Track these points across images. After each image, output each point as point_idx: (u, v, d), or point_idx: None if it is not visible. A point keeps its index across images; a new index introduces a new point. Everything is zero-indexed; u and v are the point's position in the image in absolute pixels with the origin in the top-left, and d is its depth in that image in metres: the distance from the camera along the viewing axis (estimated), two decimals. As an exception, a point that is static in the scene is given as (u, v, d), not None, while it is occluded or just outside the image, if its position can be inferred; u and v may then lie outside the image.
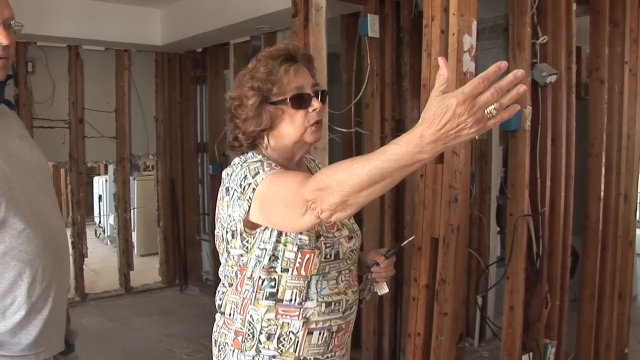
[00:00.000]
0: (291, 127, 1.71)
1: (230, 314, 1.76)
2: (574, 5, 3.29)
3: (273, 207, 1.53)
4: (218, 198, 1.74)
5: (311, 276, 1.69)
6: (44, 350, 1.65)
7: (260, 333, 1.69)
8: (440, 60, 1.17)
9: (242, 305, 1.72)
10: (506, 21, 3.18)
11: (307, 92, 1.71)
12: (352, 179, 1.24)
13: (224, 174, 1.74)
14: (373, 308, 4.40)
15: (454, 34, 2.85)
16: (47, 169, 1.82)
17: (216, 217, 1.76)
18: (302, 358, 1.71)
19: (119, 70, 6.64)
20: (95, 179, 10.39)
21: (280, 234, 1.65)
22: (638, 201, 3.99)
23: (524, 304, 3.14)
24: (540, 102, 3.21)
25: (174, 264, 7.21)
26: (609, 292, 3.68)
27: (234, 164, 1.72)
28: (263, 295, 1.69)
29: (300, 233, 1.65)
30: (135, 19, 6.21)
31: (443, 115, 1.10)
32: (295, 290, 1.68)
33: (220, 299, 1.82)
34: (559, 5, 3.20)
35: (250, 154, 1.74)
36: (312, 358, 1.72)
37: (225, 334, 1.77)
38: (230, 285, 1.77)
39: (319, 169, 2.01)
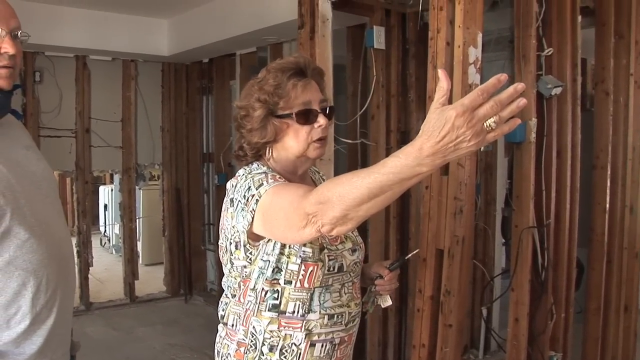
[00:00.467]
0: (295, 142, 1.71)
1: (232, 325, 1.76)
2: (579, 18, 3.29)
3: (275, 219, 1.53)
4: (222, 209, 1.74)
5: (314, 288, 1.69)
6: (48, 361, 1.64)
7: (263, 344, 1.68)
8: (441, 72, 1.15)
9: (244, 316, 1.72)
10: (511, 33, 3.18)
11: (314, 108, 1.71)
12: (352, 192, 1.24)
13: (228, 185, 1.75)
14: (378, 319, 4.39)
15: (459, 46, 2.86)
16: (53, 179, 1.82)
17: (220, 227, 1.76)
18: (304, 370, 1.70)
19: (126, 80, 6.68)
20: (101, 188, 10.42)
21: (283, 246, 1.65)
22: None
23: (529, 315, 3.12)
24: (546, 114, 3.21)
25: (179, 274, 7.22)
26: (614, 304, 3.65)
27: (239, 176, 1.72)
28: (266, 307, 1.69)
29: (304, 245, 1.65)
30: (142, 30, 6.25)
31: (442, 127, 1.08)
32: (298, 302, 1.68)
33: (223, 310, 1.81)
34: (564, 17, 3.20)
35: (255, 165, 1.75)
36: (314, 370, 1.72)
37: (228, 345, 1.76)
38: (233, 296, 1.77)
39: (324, 180, 2.01)
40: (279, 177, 1.63)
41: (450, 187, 2.88)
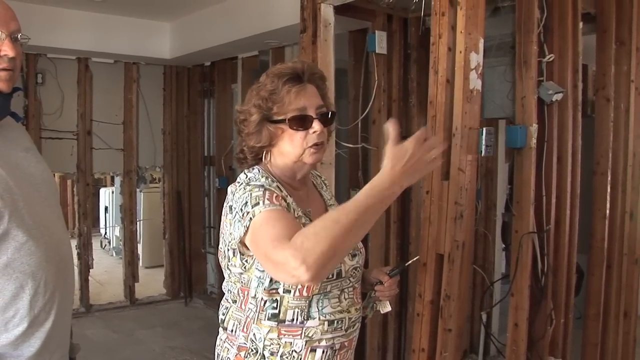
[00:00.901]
0: (290, 147, 1.72)
1: (232, 331, 1.76)
2: (581, 24, 3.30)
3: (259, 248, 1.56)
4: (223, 214, 1.75)
5: (312, 295, 1.69)
6: (46, 363, 1.64)
7: (264, 349, 1.69)
8: (389, 123, 1.45)
9: (245, 323, 1.73)
10: (513, 39, 3.18)
11: (309, 114, 1.71)
12: (337, 224, 1.38)
13: (229, 190, 1.75)
14: (377, 324, 4.39)
15: (461, 52, 2.87)
16: (52, 181, 1.82)
17: (220, 232, 1.77)
18: (305, 376, 1.70)
19: (128, 83, 6.69)
20: (102, 191, 10.42)
21: None
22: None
23: (528, 321, 3.12)
24: (547, 120, 3.21)
25: (179, 277, 7.22)
26: (614, 310, 3.65)
27: (238, 183, 1.74)
28: (265, 316, 1.69)
29: None
30: (145, 32, 6.26)
31: (405, 154, 1.41)
32: (296, 310, 1.68)
33: (223, 314, 1.81)
34: (565, 23, 3.21)
35: (255, 170, 1.76)
36: (315, 376, 1.72)
37: (228, 349, 1.76)
38: (234, 301, 1.77)
39: (325, 185, 2.02)
40: (276, 198, 1.62)
41: (451, 192, 2.89)
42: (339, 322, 1.73)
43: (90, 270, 6.59)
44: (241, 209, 1.61)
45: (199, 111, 7.21)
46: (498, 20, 3.31)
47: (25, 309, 1.57)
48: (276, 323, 1.68)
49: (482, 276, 4.61)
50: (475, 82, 2.88)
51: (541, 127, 3.16)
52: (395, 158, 1.41)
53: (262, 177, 1.73)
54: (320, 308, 1.70)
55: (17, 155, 1.69)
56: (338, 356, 1.75)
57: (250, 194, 1.62)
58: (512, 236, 3.21)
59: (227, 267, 1.76)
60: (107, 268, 8.61)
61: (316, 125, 1.71)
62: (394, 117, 4.33)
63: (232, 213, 1.66)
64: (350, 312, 1.77)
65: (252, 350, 1.70)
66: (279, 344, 1.68)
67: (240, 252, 1.67)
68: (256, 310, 1.70)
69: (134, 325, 6.12)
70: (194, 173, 7.25)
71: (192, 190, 7.26)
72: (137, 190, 7.28)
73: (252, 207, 1.58)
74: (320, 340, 1.70)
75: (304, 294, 1.68)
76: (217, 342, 1.84)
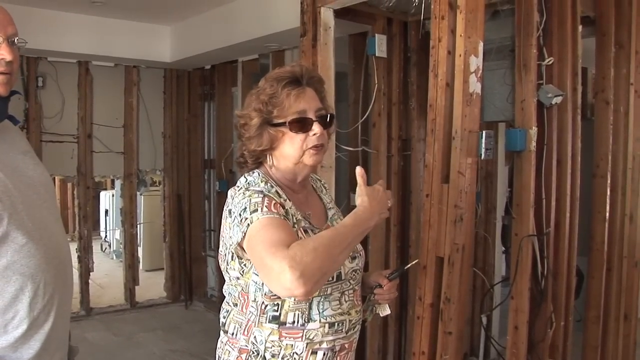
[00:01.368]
0: (291, 149, 1.73)
1: (233, 334, 1.76)
2: (580, 27, 3.30)
3: (255, 254, 1.56)
4: (222, 217, 1.75)
5: (312, 298, 1.69)
6: (46, 365, 1.64)
7: (265, 352, 1.69)
8: (358, 170, 1.71)
9: (246, 326, 1.73)
10: (512, 42, 3.19)
11: (309, 117, 1.73)
12: (332, 242, 1.49)
13: (229, 194, 1.76)
14: (378, 326, 4.39)
15: (460, 55, 2.87)
16: (50, 184, 1.83)
17: (221, 235, 1.77)
18: (305, 377, 1.71)
19: (128, 86, 6.70)
20: (102, 194, 10.43)
21: None
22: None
23: (528, 323, 3.12)
24: (546, 123, 3.21)
25: (180, 280, 7.22)
26: (614, 313, 3.65)
27: (238, 187, 1.74)
28: (266, 319, 1.69)
29: None
30: (145, 36, 6.27)
31: (377, 194, 1.67)
32: (297, 312, 1.68)
33: (224, 317, 1.81)
34: (565, 27, 3.21)
35: (255, 174, 1.77)
36: (315, 377, 1.72)
37: (229, 352, 1.76)
38: (235, 305, 1.77)
39: (325, 189, 2.03)
40: (274, 205, 1.63)
41: (451, 195, 2.89)
42: (340, 324, 1.74)
43: (91, 273, 6.60)
44: (240, 214, 1.62)
45: (199, 114, 7.22)
46: (497, 24, 3.32)
47: (24, 311, 1.58)
48: (277, 325, 1.68)
49: (482, 279, 4.61)
50: (475, 86, 2.88)
51: (541, 130, 3.17)
52: (370, 196, 1.65)
53: (261, 181, 1.74)
54: (320, 310, 1.70)
55: (16, 158, 1.70)
56: (338, 358, 1.75)
57: (250, 199, 1.63)
58: (512, 239, 3.22)
59: (227, 271, 1.76)
60: (107, 271, 8.61)
61: (316, 128, 1.72)
62: (394, 120, 4.34)
63: (231, 217, 1.67)
64: (350, 314, 1.77)
65: (253, 353, 1.70)
66: (280, 346, 1.68)
67: (238, 256, 1.67)
68: (257, 314, 1.70)
69: (134, 329, 6.12)
70: (194, 176, 7.26)
71: (192, 194, 7.27)
72: (138, 193, 7.28)
73: (251, 214, 1.58)
74: (321, 342, 1.70)
75: None
76: (218, 345, 1.84)
